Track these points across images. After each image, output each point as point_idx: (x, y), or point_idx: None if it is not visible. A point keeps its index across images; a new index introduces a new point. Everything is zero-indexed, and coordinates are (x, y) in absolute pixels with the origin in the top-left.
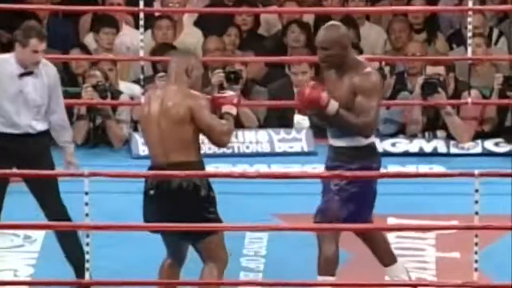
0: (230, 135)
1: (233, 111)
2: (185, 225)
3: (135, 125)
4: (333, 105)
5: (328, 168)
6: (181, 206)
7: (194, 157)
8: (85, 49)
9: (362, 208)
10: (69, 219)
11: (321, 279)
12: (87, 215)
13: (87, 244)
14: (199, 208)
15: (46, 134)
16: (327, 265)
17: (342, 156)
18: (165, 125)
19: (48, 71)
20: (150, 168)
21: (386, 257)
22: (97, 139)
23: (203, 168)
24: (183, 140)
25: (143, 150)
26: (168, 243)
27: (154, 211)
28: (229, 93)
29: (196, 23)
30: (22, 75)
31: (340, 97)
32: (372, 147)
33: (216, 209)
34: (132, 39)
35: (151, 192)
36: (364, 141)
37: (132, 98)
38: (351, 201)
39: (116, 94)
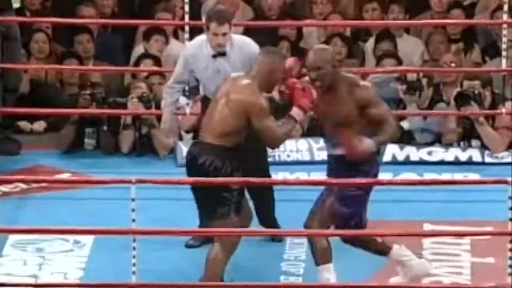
0: (284, 139)
1: (299, 116)
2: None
3: (180, 134)
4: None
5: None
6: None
7: (230, 143)
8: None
9: (359, 209)
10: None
11: (322, 267)
12: (134, 220)
13: (134, 249)
14: (214, 189)
15: None
16: (324, 253)
17: (338, 164)
18: (221, 109)
19: (241, 47)
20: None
21: (382, 249)
22: (143, 148)
23: (233, 154)
24: (230, 126)
25: None
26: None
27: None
28: (307, 86)
29: None
30: (214, 56)
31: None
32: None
33: (234, 196)
34: (179, 52)
35: (187, 163)
36: None
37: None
38: (351, 202)
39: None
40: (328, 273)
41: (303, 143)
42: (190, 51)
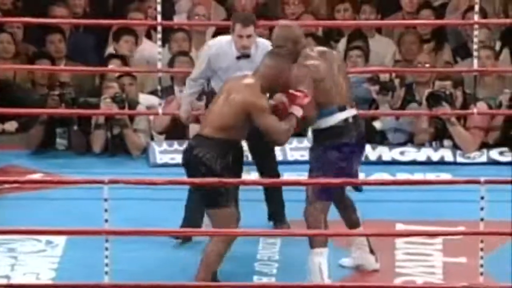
0: (289, 134)
1: (299, 113)
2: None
3: (151, 134)
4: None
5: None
6: (195, 172)
7: (227, 137)
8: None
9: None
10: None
11: (316, 250)
12: (106, 220)
13: (107, 249)
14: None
15: None
16: (321, 237)
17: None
18: (221, 105)
19: (264, 50)
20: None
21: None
22: (115, 148)
23: (229, 148)
24: (228, 122)
25: (160, 158)
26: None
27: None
28: (302, 91)
29: (214, 37)
30: (239, 57)
31: None
32: (337, 127)
33: (227, 189)
34: (151, 52)
35: (183, 153)
36: (322, 124)
37: (148, 108)
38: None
39: (134, 104)
40: (321, 258)
41: None
42: (213, 51)
